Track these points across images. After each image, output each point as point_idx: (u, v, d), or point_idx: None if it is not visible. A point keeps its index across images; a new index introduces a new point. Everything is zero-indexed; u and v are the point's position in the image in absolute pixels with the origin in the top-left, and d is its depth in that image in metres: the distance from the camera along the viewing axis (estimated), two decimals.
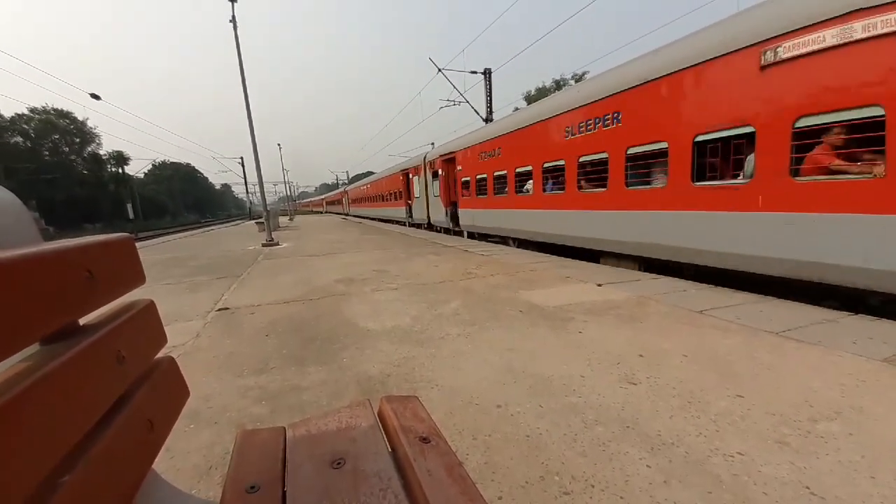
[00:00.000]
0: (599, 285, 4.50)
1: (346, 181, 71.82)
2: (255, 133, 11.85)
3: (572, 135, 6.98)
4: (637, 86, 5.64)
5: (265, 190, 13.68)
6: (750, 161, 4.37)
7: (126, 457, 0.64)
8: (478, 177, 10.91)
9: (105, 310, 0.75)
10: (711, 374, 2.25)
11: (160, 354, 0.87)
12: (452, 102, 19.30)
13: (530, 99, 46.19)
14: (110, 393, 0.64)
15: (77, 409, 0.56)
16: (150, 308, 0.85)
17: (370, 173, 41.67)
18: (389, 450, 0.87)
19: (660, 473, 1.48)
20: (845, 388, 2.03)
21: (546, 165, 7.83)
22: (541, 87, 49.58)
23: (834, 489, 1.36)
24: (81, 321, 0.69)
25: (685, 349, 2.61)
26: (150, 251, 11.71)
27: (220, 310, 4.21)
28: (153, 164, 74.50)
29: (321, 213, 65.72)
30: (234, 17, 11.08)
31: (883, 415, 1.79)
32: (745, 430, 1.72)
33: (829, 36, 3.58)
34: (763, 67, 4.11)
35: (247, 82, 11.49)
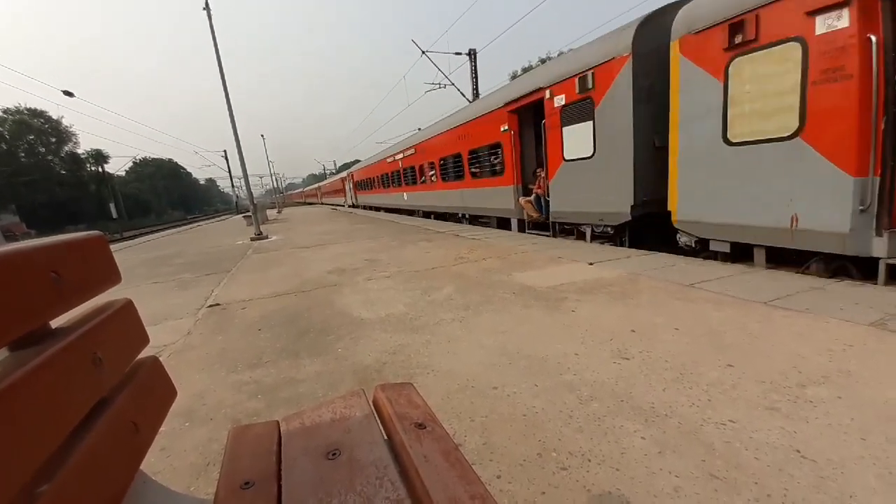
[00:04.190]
0: (591, 264, 4.52)
1: (333, 170, 70.45)
2: (238, 125, 11.59)
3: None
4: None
5: (251, 183, 13.45)
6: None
7: (109, 461, 0.62)
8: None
9: (79, 311, 0.72)
10: (703, 346, 2.28)
11: (143, 355, 0.84)
12: (438, 85, 18.95)
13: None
14: (88, 397, 0.62)
15: (52, 415, 0.53)
16: (128, 307, 0.82)
17: (357, 161, 39.77)
18: (385, 438, 0.86)
19: (654, 444, 1.51)
20: (833, 354, 2.08)
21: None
22: (526, 66, 49.07)
23: (825, 452, 1.40)
24: (54, 324, 0.66)
25: (676, 322, 2.64)
26: (136, 250, 11.50)
27: (210, 306, 4.16)
28: (134, 162, 72.36)
29: (313, 204, 55.30)
30: (207, 4, 10.75)
31: (870, 377, 1.83)
32: (736, 398, 1.76)
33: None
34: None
35: (228, 78, 11.19)
